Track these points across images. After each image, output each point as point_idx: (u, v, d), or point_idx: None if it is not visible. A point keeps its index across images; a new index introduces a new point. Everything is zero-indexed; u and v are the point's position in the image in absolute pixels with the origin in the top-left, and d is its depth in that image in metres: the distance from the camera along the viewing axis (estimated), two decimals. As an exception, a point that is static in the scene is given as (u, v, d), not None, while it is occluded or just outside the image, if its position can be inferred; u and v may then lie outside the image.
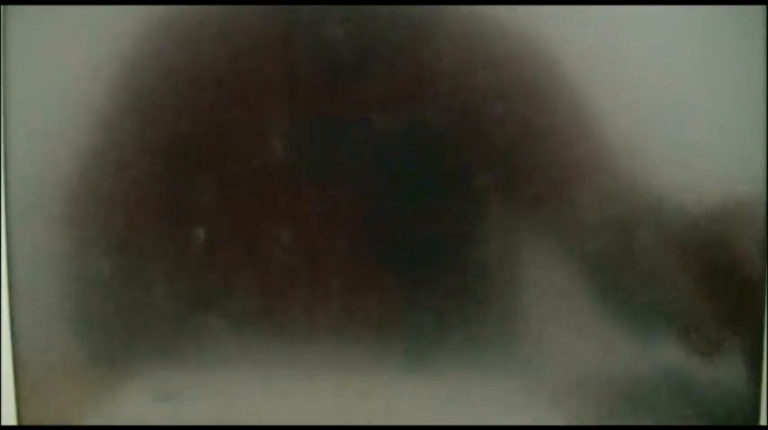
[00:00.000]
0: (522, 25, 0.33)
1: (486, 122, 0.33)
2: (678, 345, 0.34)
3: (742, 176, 0.33)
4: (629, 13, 0.32)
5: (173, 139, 0.33)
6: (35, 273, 0.34)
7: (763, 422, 0.34)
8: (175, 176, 0.34)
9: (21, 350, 0.34)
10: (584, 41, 0.33)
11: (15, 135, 0.33)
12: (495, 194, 0.33)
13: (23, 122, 0.33)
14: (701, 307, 0.34)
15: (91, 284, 0.34)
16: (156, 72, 0.33)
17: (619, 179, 0.33)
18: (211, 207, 0.33)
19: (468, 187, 0.33)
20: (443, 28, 0.32)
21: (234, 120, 0.33)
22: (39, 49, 0.33)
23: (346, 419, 0.34)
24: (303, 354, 0.34)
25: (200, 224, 0.33)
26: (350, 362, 0.34)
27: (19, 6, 0.33)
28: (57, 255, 0.34)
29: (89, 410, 0.35)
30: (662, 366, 0.34)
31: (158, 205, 0.34)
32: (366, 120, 0.33)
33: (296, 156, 0.33)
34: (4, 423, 0.35)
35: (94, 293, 0.34)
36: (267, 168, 0.33)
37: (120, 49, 0.33)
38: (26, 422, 0.35)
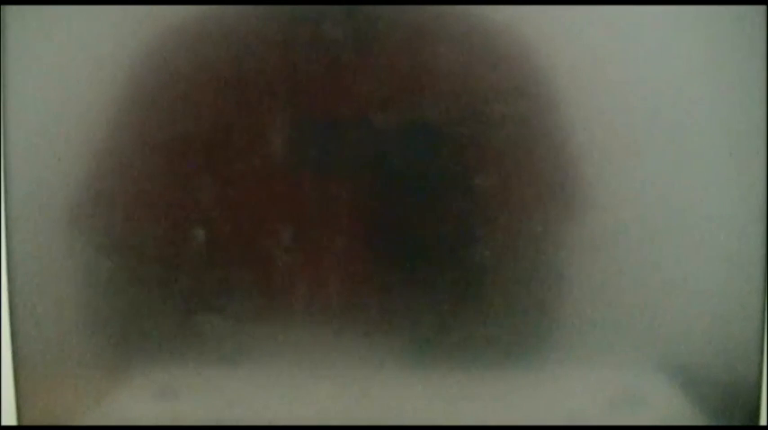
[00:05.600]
0: (522, 25, 0.33)
1: (485, 122, 0.33)
2: (679, 345, 0.34)
3: (741, 176, 0.33)
4: (629, 13, 0.32)
5: (173, 139, 0.33)
6: (35, 272, 0.34)
7: (763, 422, 0.34)
8: (175, 176, 0.34)
9: (21, 350, 0.34)
10: (584, 41, 0.33)
11: (15, 135, 0.33)
12: (495, 194, 0.33)
13: (23, 122, 0.33)
14: (700, 305, 0.34)
15: (91, 284, 0.34)
16: (156, 72, 0.33)
17: (618, 179, 0.33)
18: (211, 206, 0.33)
19: (468, 187, 0.33)
20: (443, 28, 0.32)
21: (234, 120, 0.33)
22: (39, 49, 0.33)
23: (346, 418, 0.34)
24: (303, 354, 0.34)
25: (200, 224, 0.33)
26: (349, 362, 0.34)
27: (19, 6, 0.33)
28: (57, 255, 0.34)
29: (89, 411, 0.35)
30: (663, 365, 0.34)
31: (158, 205, 0.34)
32: (366, 119, 0.33)
33: (296, 155, 0.33)
34: (4, 423, 0.35)
35: (94, 293, 0.34)
36: (267, 168, 0.33)
37: (120, 49, 0.33)
38: (26, 422, 0.35)
